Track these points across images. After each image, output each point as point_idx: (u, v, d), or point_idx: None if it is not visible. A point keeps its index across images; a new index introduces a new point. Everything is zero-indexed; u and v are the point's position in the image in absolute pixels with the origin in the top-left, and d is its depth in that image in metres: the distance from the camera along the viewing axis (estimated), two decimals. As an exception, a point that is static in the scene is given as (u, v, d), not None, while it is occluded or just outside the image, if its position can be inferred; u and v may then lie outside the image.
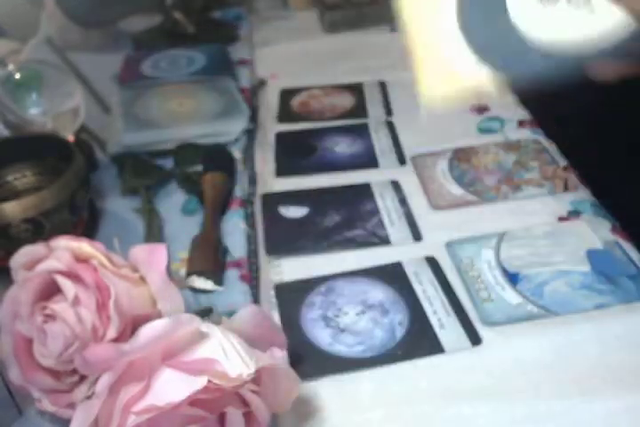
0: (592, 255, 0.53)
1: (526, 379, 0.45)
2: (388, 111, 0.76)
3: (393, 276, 0.53)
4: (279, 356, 0.37)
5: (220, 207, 0.60)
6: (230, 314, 0.49)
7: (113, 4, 0.82)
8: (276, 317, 0.51)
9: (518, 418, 0.42)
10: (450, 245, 0.56)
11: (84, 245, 0.41)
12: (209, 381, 0.34)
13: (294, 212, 0.62)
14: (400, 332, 0.48)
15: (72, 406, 0.39)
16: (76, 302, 0.39)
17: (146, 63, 0.81)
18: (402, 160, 0.67)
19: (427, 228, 0.58)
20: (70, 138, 0.66)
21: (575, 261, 0.53)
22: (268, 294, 0.53)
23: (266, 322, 0.40)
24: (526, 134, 0.69)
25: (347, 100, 0.79)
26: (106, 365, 0.35)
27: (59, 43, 0.94)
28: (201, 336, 0.37)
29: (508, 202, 0.60)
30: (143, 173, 0.65)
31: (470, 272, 0.53)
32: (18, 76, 0.65)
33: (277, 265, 0.56)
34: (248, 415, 0.37)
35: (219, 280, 0.53)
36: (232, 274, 0.54)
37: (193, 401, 0.34)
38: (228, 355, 0.36)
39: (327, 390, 0.45)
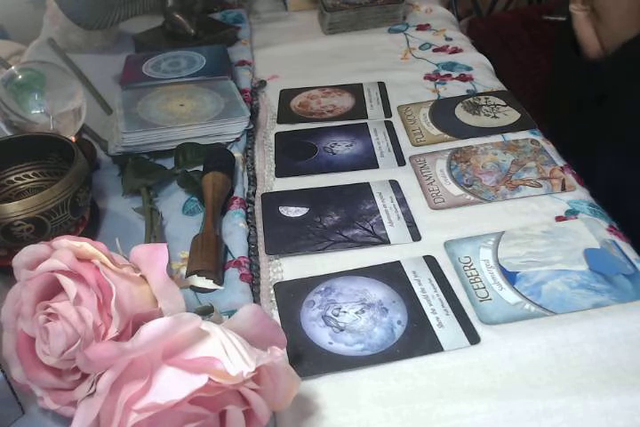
0: (589, 255, 0.54)
1: (524, 377, 0.45)
2: (388, 112, 0.76)
3: (392, 275, 0.54)
4: (279, 354, 0.37)
5: (220, 207, 0.60)
6: (231, 313, 0.49)
7: (114, 6, 0.82)
8: (276, 316, 0.51)
9: (516, 416, 0.43)
10: (448, 245, 0.56)
11: (85, 245, 0.42)
12: (210, 379, 0.34)
13: (294, 212, 0.62)
14: (399, 331, 0.49)
15: (74, 404, 0.39)
16: (77, 300, 0.40)
17: (147, 64, 0.81)
18: (401, 160, 0.68)
19: (425, 227, 0.59)
20: (72, 138, 0.66)
21: (572, 261, 0.53)
22: (268, 294, 0.54)
23: (266, 321, 0.40)
24: (524, 135, 0.70)
25: (346, 101, 0.79)
26: (107, 363, 0.35)
27: (61, 44, 0.94)
28: (202, 335, 0.38)
29: (506, 202, 0.61)
30: (144, 173, 0.65)
31: (469, 271, 0.53)
32: (20, 77, 0.66)
33: (277, 264, 0.56)
34: (248, 413, 0.38)
35: (219, 279, 0.53)
36: (232, 273, 0.54)
37: (194, 399, 0.34)
38: (228, 353, 0.36)
39: (326, 389, 0.45)
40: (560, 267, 0.53)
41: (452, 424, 0.43)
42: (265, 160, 0.71)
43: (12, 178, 0.61)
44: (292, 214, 0.62)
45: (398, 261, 0.55)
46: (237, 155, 0.68)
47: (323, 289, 0.53)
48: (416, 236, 0.58)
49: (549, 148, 0.68)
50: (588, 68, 0.80)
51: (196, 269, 0.52)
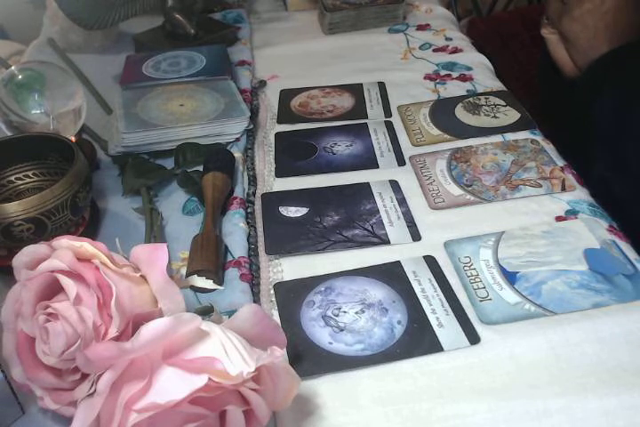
0: (589, 255, 0.54)
1: (524, 377, 0.45)
2: (388, 112, 0.76)
3: (392, 275, 0.54)
4: (279, 354, 0.37)
5: (220, 207, 0.60)
6: (230, 313, 0.49)
7: (114, 6, 0.82)
8: (276, 316, 0.51)
9: (516, 416, 0.43)
10: (448, 245, 0.56)
11: (85, 245, 0.42)
12: (210, 379, 0.34)
13: (294, 212, 0.62)
14: (399, 331, 0.49)
15: (74, 404, 0.39)
16: (77, 300, 0.40)
17: (147, 64, 0.81)
18: (401, 160, 0.68)
19: (425, 227, 0.59)
20: (72, 138, 0.66)
21: (572, 261, 0.53)
22: (268, 294, 0.54)
23: (266, 321, 0.40)
24: (524, 135, 0.70)
25: (346, 101, 0.79)
26: (107, 363, 0.35)
27: (61, 44, 0.94)
28: (202, 335, 0.37)
29: (506, 202, 0.61)
30: (144, 173, 0.65)
31: (469, 271, 0.53)
32: (20, 77, 0.66)
33: (277, 264, 0.56)
34: (248, 413, 0.38)
35: (219, 279, 0.53)
36: (232, 273, 0.54)
37: (194, 399, 0.34)
38: (228, 353, 0.36)
39: (326, 389, 0.45)
40: (560, 267, 0.53)
41: (451, 424, 0.43)
42: (265, 160, 0.71)
43: (12, 178, 0.61)
44: (292, 214, 0.62)
45: (398, 261, 0.55)
46: (237, 155, 0.68)
47: (323, 289, 0.53)
48: (416, 236, 0.58)
49: (549, 148, 0.68)
50: (566, 86, 0.81)
51: (196, 269, 0.52)
